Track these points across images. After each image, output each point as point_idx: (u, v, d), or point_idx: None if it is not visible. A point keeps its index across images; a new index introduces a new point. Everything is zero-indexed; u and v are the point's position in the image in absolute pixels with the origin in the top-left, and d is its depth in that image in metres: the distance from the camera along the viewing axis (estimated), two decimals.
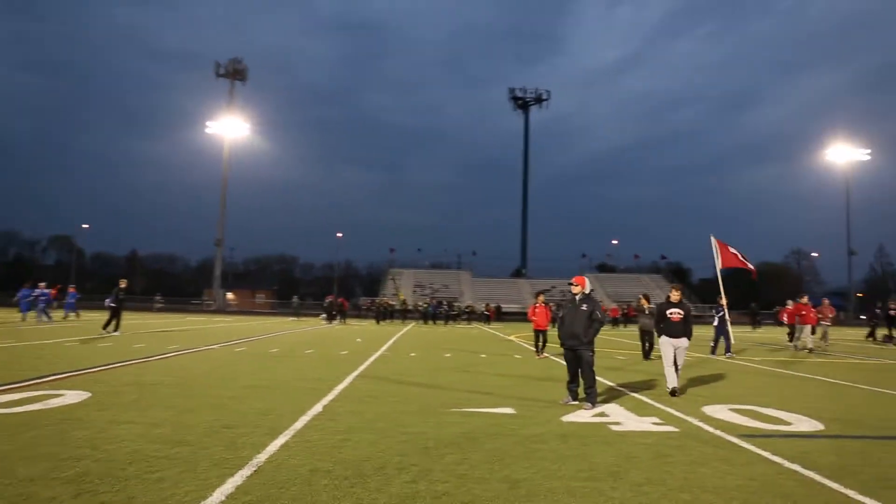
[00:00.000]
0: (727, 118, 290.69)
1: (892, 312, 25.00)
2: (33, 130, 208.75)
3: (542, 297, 15.07)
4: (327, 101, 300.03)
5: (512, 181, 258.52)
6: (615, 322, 41.59)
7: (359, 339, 20.23)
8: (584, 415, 7.21)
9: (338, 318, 36.22)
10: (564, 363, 8.12)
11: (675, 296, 9.24)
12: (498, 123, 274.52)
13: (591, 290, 8.00)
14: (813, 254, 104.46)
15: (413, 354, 14.93)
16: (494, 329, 33.44)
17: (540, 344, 14.70)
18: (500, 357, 14.85)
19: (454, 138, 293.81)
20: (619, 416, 7.19)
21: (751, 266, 17.91)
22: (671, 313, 9.12)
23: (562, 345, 7.93)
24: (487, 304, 47.88)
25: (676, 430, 6.51)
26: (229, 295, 73.55)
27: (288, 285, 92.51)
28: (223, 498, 3.83)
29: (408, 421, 6.51)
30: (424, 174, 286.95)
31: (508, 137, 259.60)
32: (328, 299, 37.43)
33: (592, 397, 7.68)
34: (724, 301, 16.26)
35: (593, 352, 7.77)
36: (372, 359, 13.27)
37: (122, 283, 19.24)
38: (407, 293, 62.35)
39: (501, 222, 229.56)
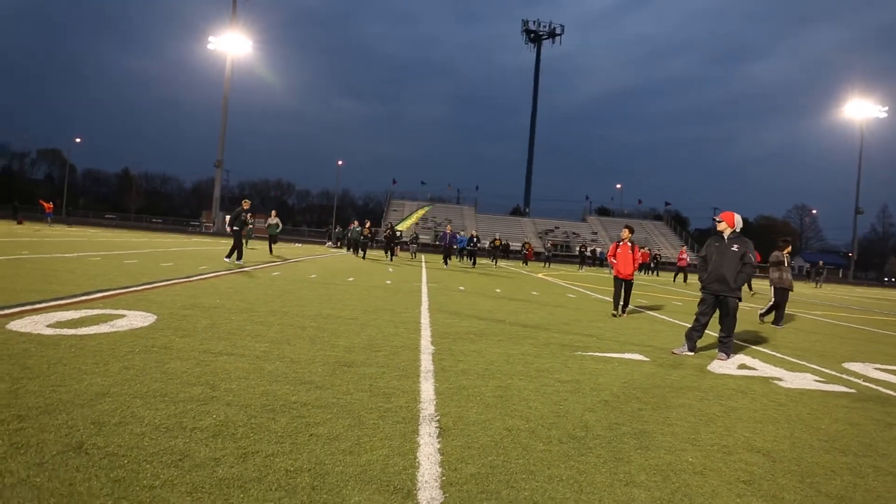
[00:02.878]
0: (729, 68, 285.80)
1: None
2: (27, 42, 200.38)
3: (628, 233, 10.50)
4: (323, 26, 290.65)
5: (511, 118, 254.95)
6: (645, 267, 38.17)
7: (391, 269, 19.28)
8: (727, 366, 6.31)
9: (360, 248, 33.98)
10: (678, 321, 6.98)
11: None
12: (498, 59, 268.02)
13: (741, 228, 6.91)
14: (813, 210, 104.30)
15: (462, 288, 13.98)
16: (525, 269, 32.53)
17: (622, 300, 10.44)
18: (558, 297, 13.94)
19: (453, 72, 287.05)
20: (766, 370, 6.28)
21: None
22: None
23: (702, 288, 6.90)
24: (525, 243, 39.65)
25: (851, 391, 5.62)
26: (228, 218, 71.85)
27: (285, 211, 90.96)
28: (440, 470, 2.84)
29: (544, 365, 5.55)
30: (421, 108, 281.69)
31: (509, 74, 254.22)
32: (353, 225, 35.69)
33: (730, 347, 6.75)
34: None
35: (740, 299, 6.78)
36: (425, 292, 12.30)
37: (246, 204, 16.27)
38: (408, 226, 61.15)
39: (501, 159, 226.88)
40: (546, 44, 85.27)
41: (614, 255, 10.57)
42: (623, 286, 10.38)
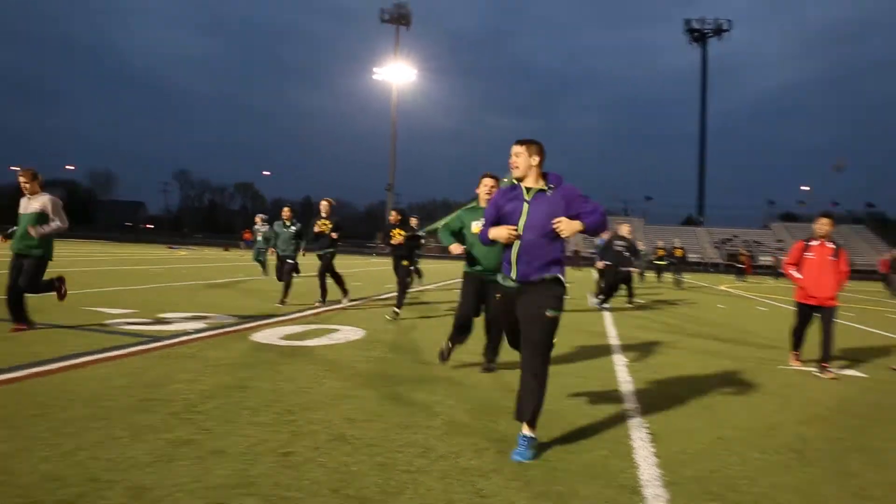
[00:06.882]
0: None
1: None
2: (213, 89, 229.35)
3: (827, 225, 6.01)
4: (478, 47, 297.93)
5: (677, 123, 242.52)
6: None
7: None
8: None
9: None
10: None
11: None
12: (658, 63, 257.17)
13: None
14: None
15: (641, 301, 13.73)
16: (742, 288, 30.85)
17: (812, 342, 6.04)
18: (747, 310, 13.20)
19: (612, 80, 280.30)
20: None
21: None
22: None
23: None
24: (741, 251, 31.16)
25: None
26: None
27: None
28: (660, 471, 3.00)
29: (746, 378, 5.42)
30: (581, 119, 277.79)
31: (671, 77, 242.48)
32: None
33: None
34: None
35: None
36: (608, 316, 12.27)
37: (413, 221, 13.96)
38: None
39: (668, 166, 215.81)
40: (712, 42, 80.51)
41: (796, 263, 6.19)
42: (822, 318, 5.88)
